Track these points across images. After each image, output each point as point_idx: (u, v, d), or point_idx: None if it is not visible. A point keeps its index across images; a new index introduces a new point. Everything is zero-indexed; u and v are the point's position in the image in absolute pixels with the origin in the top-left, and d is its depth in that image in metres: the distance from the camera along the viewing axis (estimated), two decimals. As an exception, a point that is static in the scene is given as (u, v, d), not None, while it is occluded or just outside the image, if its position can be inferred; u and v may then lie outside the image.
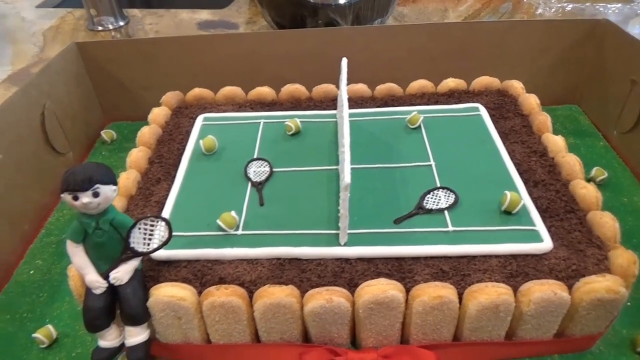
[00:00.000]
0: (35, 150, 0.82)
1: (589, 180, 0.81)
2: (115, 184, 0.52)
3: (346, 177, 0.54)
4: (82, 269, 0.53)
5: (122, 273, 0.53)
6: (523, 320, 0.54)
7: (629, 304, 0.63)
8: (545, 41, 0.97)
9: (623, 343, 0.59)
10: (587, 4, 1.36)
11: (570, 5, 1.36)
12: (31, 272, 0.73)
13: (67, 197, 0.49)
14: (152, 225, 0.54)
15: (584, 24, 0.96)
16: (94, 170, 0.50)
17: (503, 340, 0.57)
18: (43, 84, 0.85)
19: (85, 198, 0.49)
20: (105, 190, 0.50)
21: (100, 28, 1.32)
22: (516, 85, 0.85)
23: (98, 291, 0.53)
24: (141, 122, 0.83)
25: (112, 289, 0.54)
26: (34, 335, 0.62)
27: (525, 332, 0.56)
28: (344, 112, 0.65)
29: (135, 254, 0.54)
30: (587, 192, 0.63)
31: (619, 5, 1.34)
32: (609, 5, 1.34)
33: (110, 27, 1.33)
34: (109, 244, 0.53)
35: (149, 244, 0.54)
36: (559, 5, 1.36)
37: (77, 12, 1.45)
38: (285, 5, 1.17)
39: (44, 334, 0.62)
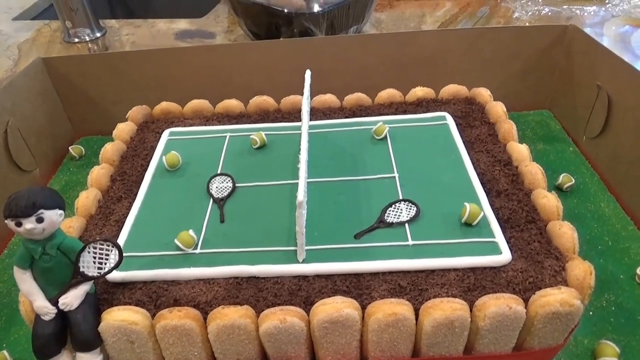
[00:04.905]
0: (-2, 168, 0.81)
1: (556, 187, 0.81)
2: (61, 208, 0.51)
3: (299, 195, 0.54)
4: (30, 295, 0.52)
5: (72, 298, 0.52)
6: (480, 334, 0.54)
7: (591, 313, 0.63)
8: (515, 47, 0.97)
9: (584, 353, 0.59)
10: (564, 6, 1.36)
11: (547, 8, 1.36)
12: (-9, 294, 0.72)
13: (10, 223, 0.49)
14: (101, 249, 0.53)
15: (552, 29, 0.95)
16: (38, 194, 0.49)
17: (462, 355, 0.56)
18: (5, 101, 0.85)
19: (29, 224, 0.48)
20: (50, 214, 0.49)
21: (76, 40, 1.32)
22: (483, 93, 0.84)
23: (47, 317, 0.52)
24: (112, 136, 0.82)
25: (63, 315, 0.53)
26: (-12, 361, 0.61)
27: (484, 346, 0.55)
28: (304, 126, 0.64)
29: (85, 278, 0.53)
30: (547, 201, 0.62)
31: (595, 7, 1.34)
32: (585, 8, 1.34)
33: (87, 38, 1.32)
34: (57, 269, 0.52)
35: (99, 268, 0.53)
36: (535, 8, 1.36)
37: (53, 24, 1.44)
38: (261, 15, 1.17)
39: (-1, 359, 0.61)
